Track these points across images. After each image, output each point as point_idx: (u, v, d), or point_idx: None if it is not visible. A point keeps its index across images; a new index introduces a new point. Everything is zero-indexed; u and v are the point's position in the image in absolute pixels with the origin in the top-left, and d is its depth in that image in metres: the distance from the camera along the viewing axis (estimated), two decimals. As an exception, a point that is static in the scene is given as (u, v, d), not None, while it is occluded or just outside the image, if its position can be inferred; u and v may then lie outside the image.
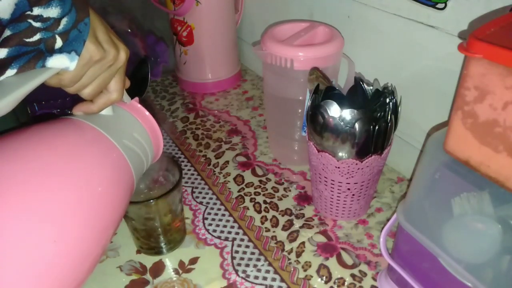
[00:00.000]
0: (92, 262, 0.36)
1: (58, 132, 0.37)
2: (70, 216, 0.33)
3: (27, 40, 0.32)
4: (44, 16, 0.32)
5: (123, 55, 0.38)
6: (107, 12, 0.76)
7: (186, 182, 0.66)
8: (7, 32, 0.31)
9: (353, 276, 0.50)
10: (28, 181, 0.32)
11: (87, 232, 0.35)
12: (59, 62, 0.33)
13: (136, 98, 0.44)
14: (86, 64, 0.35)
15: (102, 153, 0.38)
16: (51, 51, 0.33)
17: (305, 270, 0.51)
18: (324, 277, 0.50)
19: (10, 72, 0.31)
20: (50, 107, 0.63)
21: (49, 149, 0.35)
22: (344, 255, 0.53)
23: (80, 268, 0.34)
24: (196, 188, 0.65)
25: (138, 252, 0.55)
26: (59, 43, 0.33)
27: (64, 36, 0.33)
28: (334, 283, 0.49)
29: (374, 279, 0.50)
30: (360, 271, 0.51)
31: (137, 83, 0.79)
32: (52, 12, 0.32)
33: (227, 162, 0.70)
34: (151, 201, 0.48)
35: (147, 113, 0.44)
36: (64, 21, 0.33)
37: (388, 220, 0.57)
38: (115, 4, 0.77)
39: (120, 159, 0.39)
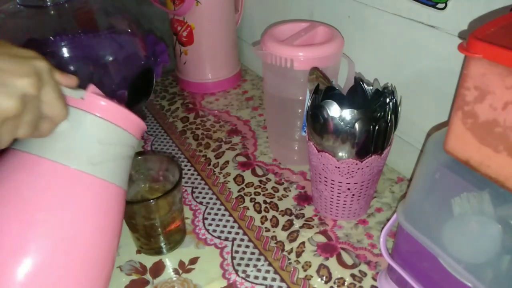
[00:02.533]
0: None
1: (6, 180, 0.32)
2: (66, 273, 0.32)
3: None
4: None
5: (30, 82, 0.29)
6: (107, 12, 0.75)
7: (186, 182, 0.66)
8: None
9: (353, 276, 0.50)
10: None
11: (89, 274, 0.34)
12: None
13: (91, 86, 0.35)
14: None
15: (70, 193, 0.34)
16: None
17: (305, 270, 0.51)
18: (324, 277, 0.50)
19: None
20: None
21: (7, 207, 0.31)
22: (344, 255, 0.53)
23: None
24: (196, 188, 0.65)
25: (138, 252, 0.55)
26: None
27: None
28: (334, 283, 0.49)
29: (374, 279, 0.50)
30: (360, 271, 0.51)
31: (141, 89, 0.79)
32: None
33: (227, 162, 0.70)
34: (151, 201, 0.48)
35: (104, 102, 0.35)
36: None
37: (388, 220, 0.57)
38: (115, 4, 0.77)
39: (95, 183, 0.35)
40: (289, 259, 0.53)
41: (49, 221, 0.32)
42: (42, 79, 0.30)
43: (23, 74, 0.29)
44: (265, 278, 0.50)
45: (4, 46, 0.30)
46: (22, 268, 0.31)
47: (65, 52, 0.63)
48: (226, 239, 0.56)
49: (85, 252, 0.34)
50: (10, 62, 0.29)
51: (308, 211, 0.60)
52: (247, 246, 0.55)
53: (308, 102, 0.52)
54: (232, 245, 0.55)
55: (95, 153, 0.35)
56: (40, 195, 0.33)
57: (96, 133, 0.35)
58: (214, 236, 0.56)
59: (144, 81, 0.78)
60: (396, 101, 0.49)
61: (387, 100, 0.48)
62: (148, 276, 0.51)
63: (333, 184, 0.53)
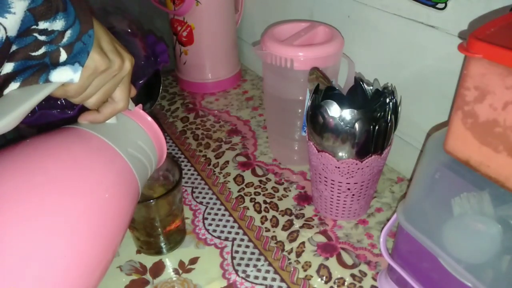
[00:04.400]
0: (102, 270, 0.36)
1: (63, 143, 0.37)
2: (78, 227, 0.33)
3: (33, 54, 0.32)
4: (49, 29, 0.32)
5: (128, 65, 0.38)
6: (107, 12, 0.75)
7: (186, 182, 0.66)
8: (14, 47, 0.31)
9: (353, 276, 0.50)
10: (35, 195, 0.32)
11: (96, 240, 0.35)
12: (63, 75, 0.33)
13: (140, 105, 0.44)
14: (91, 74, 0.35)
15: (107, 162, 0.38)
16: (56, 64, 0.33)
17: (305, 270, 0.51)
18: (324, 277, 0.50)
19: (14, 85, 0.31)
20: (50, 106, 0.63)
21: (54, 162, 0.35)
22: (344, 255, 0.53)
23: (92, 277, 0.34)
24: (196, 188, 0.65)
25: (138, 252, 0.55)
26: (63, 56, 0.33)
27: (68, 49, 0.33)
28: (334, 283, 0.49)
29: (374, 279, 0.50)
30: (360, 271, 0.51)
31: (148, 94, 0.79)
32: (56, 25, 0.32)
33: (227, 162, 0.70)
34: (151, 201, 0.48)
35: (150, 119, 0.44)
36: (68, 34, 0.33)
37: (388, 220, 0.57)
38: (115, 4, 0.77)
39: (125, 167, 0.39)
40: (289, 259, 0.53)
41: (90, 181, 0.36)
42: (129, 72, 0.39)
43: (128, 53, 0.39)
44: (265, 278, 0.50)
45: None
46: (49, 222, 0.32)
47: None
48: (226, 239, 0.56)
49: (102, 223, 0.36)
50: (119, 44, 0.39)
51: (308, 211, 0.60)
52: (247, 246, 0.55)
53: (308, 102, 0.52)
54: (232, 245, 0.55)
55: (132, 144, 0.41)
56: (88, 160, 0.37)
57: (135, 136, 0.43)
58: (214, 236, 0.56)
59: (152, 84, 0.78)
60: (396, 101, 0.49)
61: (387, 100, 0.48)
62: (148, 276, 0.51)
63: (333, 184, 0.53)
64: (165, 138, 0.47)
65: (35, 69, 0.32)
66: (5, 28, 0.29)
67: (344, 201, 0.55)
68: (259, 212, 0.60)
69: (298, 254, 0.53)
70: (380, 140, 0.49)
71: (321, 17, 0.70)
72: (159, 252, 0.54)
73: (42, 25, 0.31)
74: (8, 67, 0.31)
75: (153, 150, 0.45)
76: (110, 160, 0.38)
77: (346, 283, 0.49)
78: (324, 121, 0.48)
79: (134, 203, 0.41)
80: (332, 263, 0.52)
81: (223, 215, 0.60)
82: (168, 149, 0.74)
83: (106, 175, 0.37)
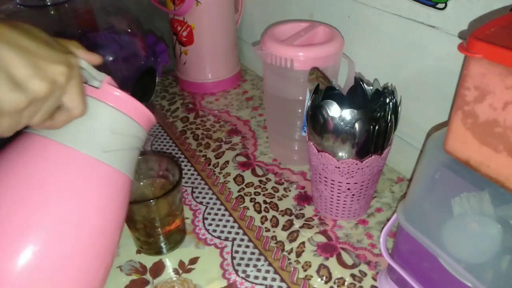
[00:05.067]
0: (104, 271, 0.36)
1: (24, 164, 0.33)
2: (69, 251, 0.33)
3: None
4: None
5: (62, 71, 0.30)
6: (107, 12, 0.76)
7: (186, 182, 0.66)
8: None
9: (353, 276, 0.50)
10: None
11: (93, 263, 0.35)
12: None
13: (107, 78, 0.36)
14: (11, 116, 0.28)
15: (82, 176, 0.34)
16: None
17: (305, 270, 0.51)
18: (324, 277, 0.50)
19: None
20: None
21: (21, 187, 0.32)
22: (344, 255, 0.53)
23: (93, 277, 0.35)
24: (196, 188, 0.65)
25: (138, 252, 0.55)
26: None
27: None
28: (334, 283, 0.49)
29: (374, 279, 0.50)
30: (360, 271, 0.51)
31: (143, 90, 0.79)
32: None
33: (227, 162, 0.70)
34: (151, 201, 0.48)
35: (120, 93, 0.36)
36: None
37: (388, 220, 0.57)
38: (115, 4, 0.77)
39: (105, 170, 0.36)
40: (289, 259, 0.53)
41: (55, 202, 0.33)
42: (72, 71, 0.31)
43: (58, 61, 0.30)
44: (265, 278, 0.50)
45: (42, 33, 0.31)
46: (26, 252, 0.31)
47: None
48: (226, 239, 0.56)
49: (89, 236, 0.34)
50: (47, 48, 0.30)
51: (308, 211, 0.60)
52: (247, 246, 0.55)
53: (308, 102, 0.52)
54: (232, 245, 0.55)
55: (106, 141, 0.36)
56: (47, 176, 0.33)
57: (109, 122, 0.36)
58: (214, 236, 0.56)
59: (147, 81, 0.78)
60: (396, 101, 0.49)
61: (387, 100, 0.48)
62: (148, 276, 0.51)
63: (333, 184, 0.53)
64: (156, 119, 0.40)
65: None
66: None
67: (344, 201, 0.55)
68: (259, 212, 0.60)
69: (298, 254, 0.53)
70: (380, 140, 0.49)
71: (321, 17, 0.70)
72: (159, 252, 0.54)
73: None
74: None
75: (134, 126, 0.38)
76: (85, 172, 0.34)
77: (346, 283, 0.49)
78: (324, 121, 0.48)
79: (126, 196, 0.38)
80: (332, 263, 0.52)
81: (223, 215, 0.60)
82: (168, 149, 0.74)
83: (85, 191, 0.34)
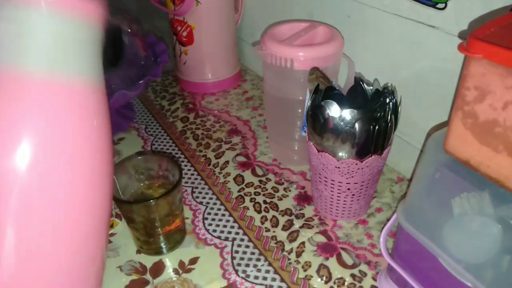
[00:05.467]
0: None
1: None
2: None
3: None
4: None
5: None
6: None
7: (186, 182, 0.66)
8: None
9: (353, 276, 0.50)
10: None
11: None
12: None
13: None
14: None
15: (37, 105, 0.28)
16: None
17: (305, 270, 0.51)
18: (324, 277, 0.50)
19: None
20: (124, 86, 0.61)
21: None
22: (344, 255, 0.53)
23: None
24: (196, 188, 0.65)
25: (138, 252, 0.55)
26: None
27: None
28: (334, 283, 0.49)
29: (374, 279, 0.50)
30: (360, 271, 0.51)
31: (113, 54, 0.74)
32: None
33: (227, 162, 0.70)
34: (151, 201, 0.48)
35: None
36: None
37: (388, 220, 0.57)
38: (115, 4, 0.77)
39: (63, 87, 0.29)
40: (289, 259, 0.53)
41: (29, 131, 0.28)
42: None
43: None
44: (265, 278, 0.50)
45: None
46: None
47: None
48: (226, 239, 0.56)
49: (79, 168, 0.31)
50: None
51: (308, 211, 0.60)
52: (247, 246, 0.55)
53: (308, 102, 0.52)
54: (232, 245, 0.55)
55: (51, 52, 0.29)
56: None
57: (46, 28, 0.29)
58: (214, 236, 0.56)
59: (114, 48, 0.73)
60: (396, 101, 0.49)
61: (387, 100, 0.48)
62: (148, 276, 0.51)
63: (333, 184, 0.53)
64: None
65: None
66: None
67: (344, 201, 0.55)
68: (259, 212, 0.60)
69: (298, 254, 0.53)
70: (380, 140, 0.49)
71: (321, 17, 0.70)
72: (159, 252, 0.54)
73: None
74: None
75: (77, 21, 0.30)
76: (36, 100, 0.28)
77: (346, 283, 0.49)
78: (324, 121, 0.48)
79: (104, 107, 0.33)
80: (332, 263, 0.52)
81: (223, 215, 0.60)
82: (168, 149, 0.74)
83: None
